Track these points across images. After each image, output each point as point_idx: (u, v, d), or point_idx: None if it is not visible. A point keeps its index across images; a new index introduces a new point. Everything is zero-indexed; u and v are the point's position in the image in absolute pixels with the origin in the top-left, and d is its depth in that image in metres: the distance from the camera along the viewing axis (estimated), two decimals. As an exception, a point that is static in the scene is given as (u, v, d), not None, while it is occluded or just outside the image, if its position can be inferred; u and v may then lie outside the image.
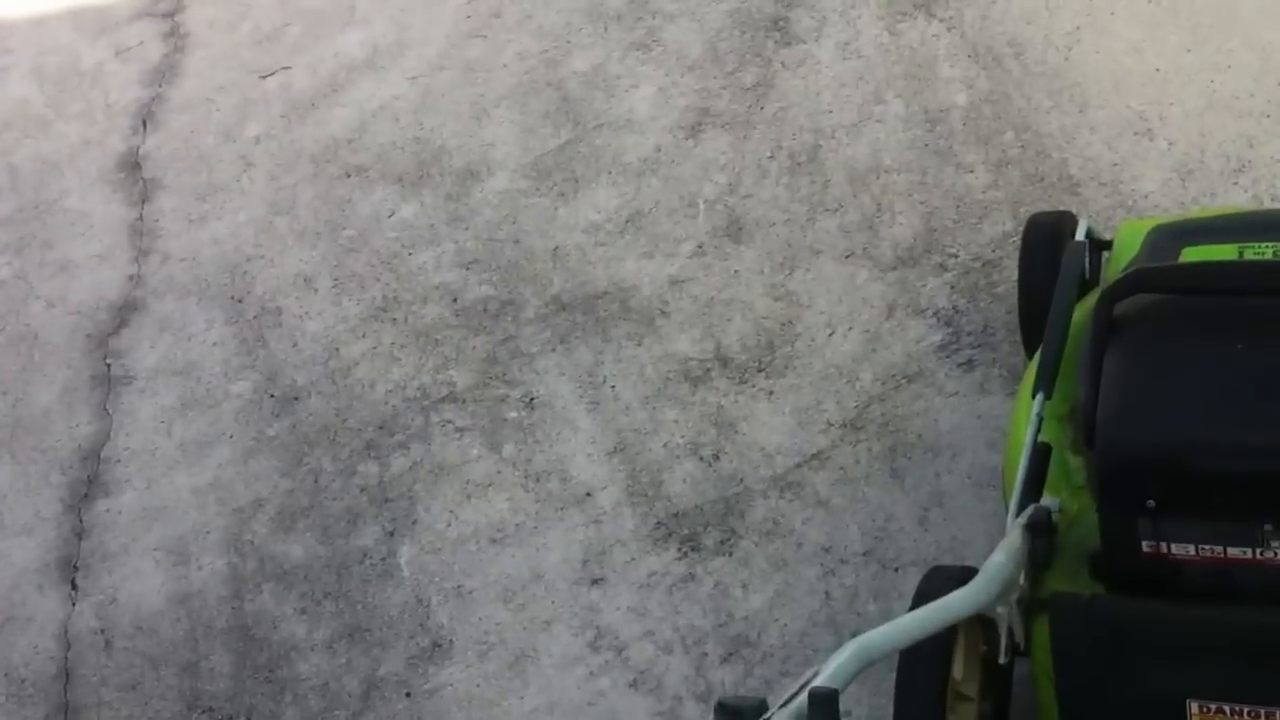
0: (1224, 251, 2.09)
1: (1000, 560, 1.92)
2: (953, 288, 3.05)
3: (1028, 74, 3.36)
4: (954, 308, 3.02)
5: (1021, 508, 2.08)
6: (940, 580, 2.08)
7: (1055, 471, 2.17)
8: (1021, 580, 1.99)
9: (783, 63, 3.59)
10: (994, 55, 3.43)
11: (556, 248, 3.38)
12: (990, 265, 3.06)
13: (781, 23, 3.69)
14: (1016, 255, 2.95)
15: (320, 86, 3.99)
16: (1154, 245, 2.20)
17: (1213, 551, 1.85)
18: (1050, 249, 2.63)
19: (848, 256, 3.17)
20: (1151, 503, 1.84)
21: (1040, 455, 2.16)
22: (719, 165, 3.43)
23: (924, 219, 3.18)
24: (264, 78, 4.09)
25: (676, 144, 3.51)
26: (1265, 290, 1.96)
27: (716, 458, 2.92)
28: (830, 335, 3.05)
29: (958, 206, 3.18)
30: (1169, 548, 1.87)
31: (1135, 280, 1.99)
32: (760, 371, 3.03)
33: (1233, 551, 1.84)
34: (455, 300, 3.35)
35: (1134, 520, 1.87)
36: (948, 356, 2.94)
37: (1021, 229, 2.91)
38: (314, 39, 4.14)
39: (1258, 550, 1.82)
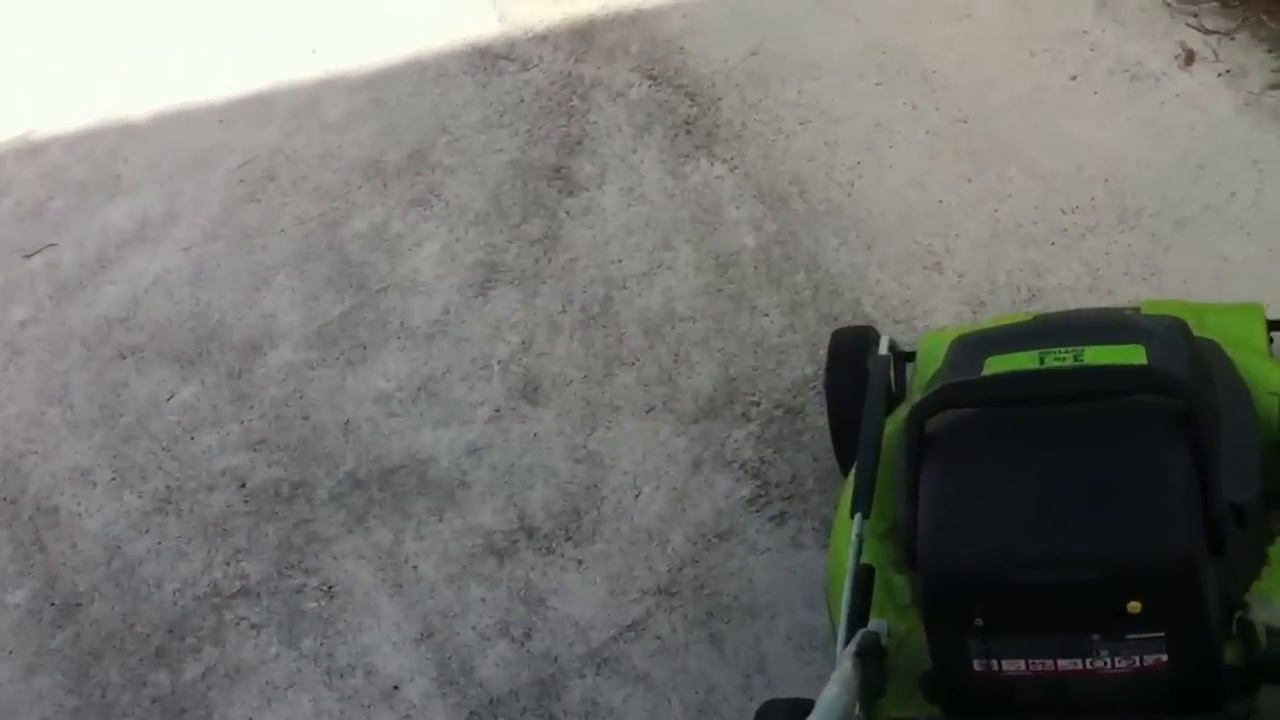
0: (1026, 359, 2.08)
1: (834, 692, 1.86)
2: (758, 438, 2.98)
3: (813, 212, 3.35)
4: (760, 459, 2.95)
5: (850, 634, 2.02)
6: (775, 716, 2.05)
7: (880, 592, 2.12)
8: (857, 710, 1.93)
9: (568, 212, 3.53)
10: (779, 195, 3.41)
11: (347, 421, 3.24)
12: (793, 412, 3.00)
13: (563, 171, 3.63)
14: (818, 400, 2.93)
15: (88, 263, 3.81)
16: (957, 357, 2.18)
17: (1044, 665, 1.81)
18: (856, 363, 2.63)
19: (649, 411, 3.09)
20: (979, 621, 1.81)
21: (864, 578, 2.11)
22: (510, 323, 3.33)
23: (723, 367, 3.12)
24: (28, 257, 3.89)
25: (465, 303, 3.40)
26: (1068, 397, 1.94)
27: (529, 636, 2.79)
28: (637, 496, 2.96)
29: (755, 352, 3.13)
30: (1000, 664, 1.83)
31: (943, 396, 1.97)
32: (568, 540, 2.92)
33: (1063, 664, 1.81)
34: (243, 485, 3.18)
35: (963, 639, 1.83)
36: (758, 511, 2.87)
37: (819, 371, 2.92)
38: (79, 213, 3.96)
39: (1088, 660, 1.80)
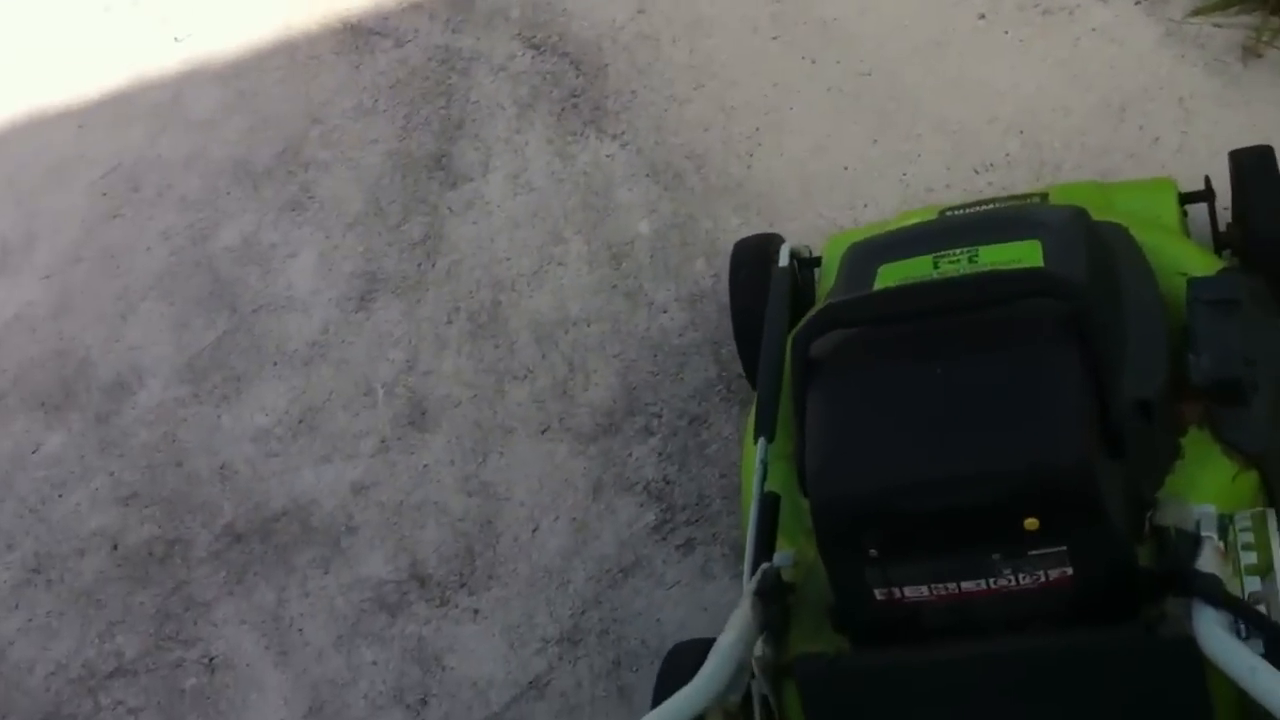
0: (919, 265, 1.95)
1: (730, 639, 1.77)
2: (660, 454, 2.74)
3: (711, 190, 3.07)
4: (664, 478, 2.71)
5: (755, 568, 1.91)
6: (682, 661, 2.01)
7: (789, 518, 1.99)
8: (759, 650, 1.82)
9: (450, 208, 3.25)
10: (674, 171, 3.14)
11: (223, 465, 2.99)
12: (698, 421, 2.76)
13: (444, 159, 3.34)
14: (723, 405, 2.74)
15: (-61, 300, 3.53)
16: (850, 267, 2.04)
17: (947, 589, 1.72)
18: (759, 273, 2.50)
19: (544, 432, 2.85)
20: (874, 551, 1.70)
21: (769, 507, 1.99)
22: (393, 339, 3.07)
23: (621, 376, 2.87)
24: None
25: (345, 319, 3.14)
26: (954, 308, 1.80)
27: (424, 703, 2.58)
28: (535, 531, 2.72)
29: (655, 356, 2.87)
30: (902, 592, 1.73)
31: (826, 318, 1.83)
32: (463, 587, 2.69)
33: (967, 585, 1.71)
34: (116, 547, 2.94)
35: (860, 570, 1.73)
36: (663, 539, 2.64)
37: (724, 373, 2.75)
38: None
39: (991, 580, 1.70)
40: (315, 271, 3.24)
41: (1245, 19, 2.93)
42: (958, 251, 1.95)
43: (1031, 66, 3.03)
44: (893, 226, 2.33)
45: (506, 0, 3.63)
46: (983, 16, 3.14)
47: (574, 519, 2.71)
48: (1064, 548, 1.66)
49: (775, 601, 1.86)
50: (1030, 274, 1.82)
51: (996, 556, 1.68)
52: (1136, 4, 3.04)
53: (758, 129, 3.14)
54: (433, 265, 3.16)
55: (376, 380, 3.02)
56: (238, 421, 3.05)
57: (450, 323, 3.05)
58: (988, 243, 1.95)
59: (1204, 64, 2.90)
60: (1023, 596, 1.71)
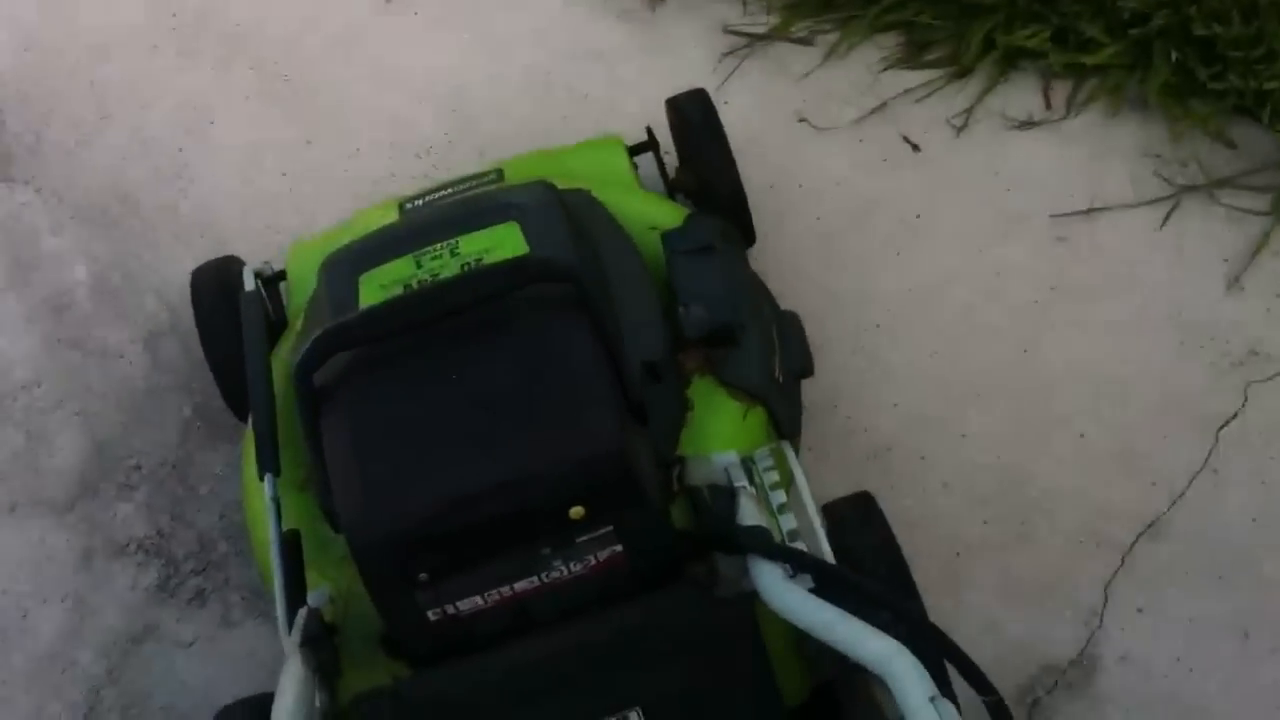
0: (401, 268, 1.90)
1: (289, 703, 1.64)
2: (149, 507, 2.55)
3: (145, 223, 2.88)
4: (159, 532, 2.52)
5: (290, 616, 1.80)
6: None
7: (314, 549, 1.89)
8: (318, 702, 1.71)
9: None
10: (101, 210, 2.91)
11: None
12: (183, 464, 2.58)
13: None
14: (206, 442, 2.59)
15: None
16: (330, 283, 1.96)
17: (501, 594, 1.70)
18: (224, 299, 2.39)
19: (12, 511, 2.58)
20: (425, 576, 1.66)
21: (291, 546, 1.89)
22: None
23: (87, 434, 2.63)
24: None
25: None
26: (451, 312, 1.75)
27: (-66, 840, 2.28)
28: (24, 618, 2.47)
29: (121, 405, 2.66)
30: (456, 607, 1.69)
31: (322, 345, 1.74)
32: (-47, 701, 2.41)
33: (520, 585, 1.69)
34: None
35: (411, 596, 1.68)
36: (171, 596, 2.45)
37: (202, 409, 2.61)
38: None
39: (544, 575, 1.69)
40: None
41: (641, -35, 3.03)
42: (438, 247, 1.91)
43: (447, 43, 3.03)
44: (353, 227, 2.27)
45: None
46: None
47: (66, 598, 2.48)
48: (610, 528, 1.67)
49: (324, 646, 1.76)
50: (522, 263, 1.79)
51: (546, 551, 1.67)
52: (532, -36, 3.09)
53: (180, 150, 2.97)
54: None
55: None
56: None
57: None
58: (466, 232, 1.92)
59: (615, 15, 2.98)
60: (578, 584, 1.70)
